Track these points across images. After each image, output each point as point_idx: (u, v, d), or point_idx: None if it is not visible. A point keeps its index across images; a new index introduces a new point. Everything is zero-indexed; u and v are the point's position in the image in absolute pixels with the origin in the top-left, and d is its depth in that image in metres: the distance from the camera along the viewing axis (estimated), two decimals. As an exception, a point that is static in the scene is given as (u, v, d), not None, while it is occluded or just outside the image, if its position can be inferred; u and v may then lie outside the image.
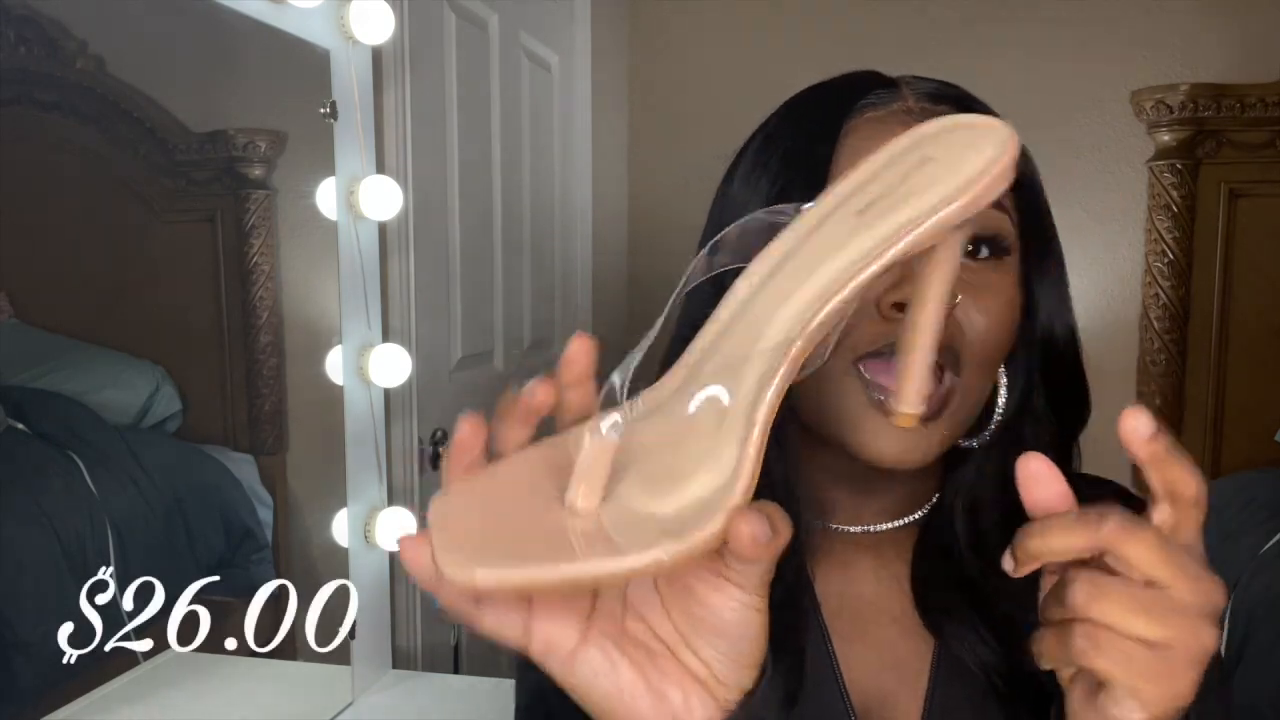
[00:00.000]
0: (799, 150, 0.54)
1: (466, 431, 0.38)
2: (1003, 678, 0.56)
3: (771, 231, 0.41)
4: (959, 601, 0.57)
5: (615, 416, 0.36)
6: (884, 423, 0.51)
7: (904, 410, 0.42)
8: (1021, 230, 0.57)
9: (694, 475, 0.37)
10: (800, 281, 0.39)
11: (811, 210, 0.41)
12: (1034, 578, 0.56)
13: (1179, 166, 2.32)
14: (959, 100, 0.57)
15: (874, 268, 0.37)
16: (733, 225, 0.42)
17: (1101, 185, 2.45)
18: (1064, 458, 0.60)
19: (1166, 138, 2.33)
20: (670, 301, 0.42)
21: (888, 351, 0.51)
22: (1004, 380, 0.58)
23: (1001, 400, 0.58)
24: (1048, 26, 2.42)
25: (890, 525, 0.60)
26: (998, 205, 0.54)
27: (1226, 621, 1.80)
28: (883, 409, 0.51)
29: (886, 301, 0.51)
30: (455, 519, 0.35)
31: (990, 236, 0.54)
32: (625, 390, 0.40)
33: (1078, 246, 2.46)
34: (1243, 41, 2.32)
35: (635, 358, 0.41)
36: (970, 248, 0.54)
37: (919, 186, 0.38)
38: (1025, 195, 0.57)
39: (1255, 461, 2.29)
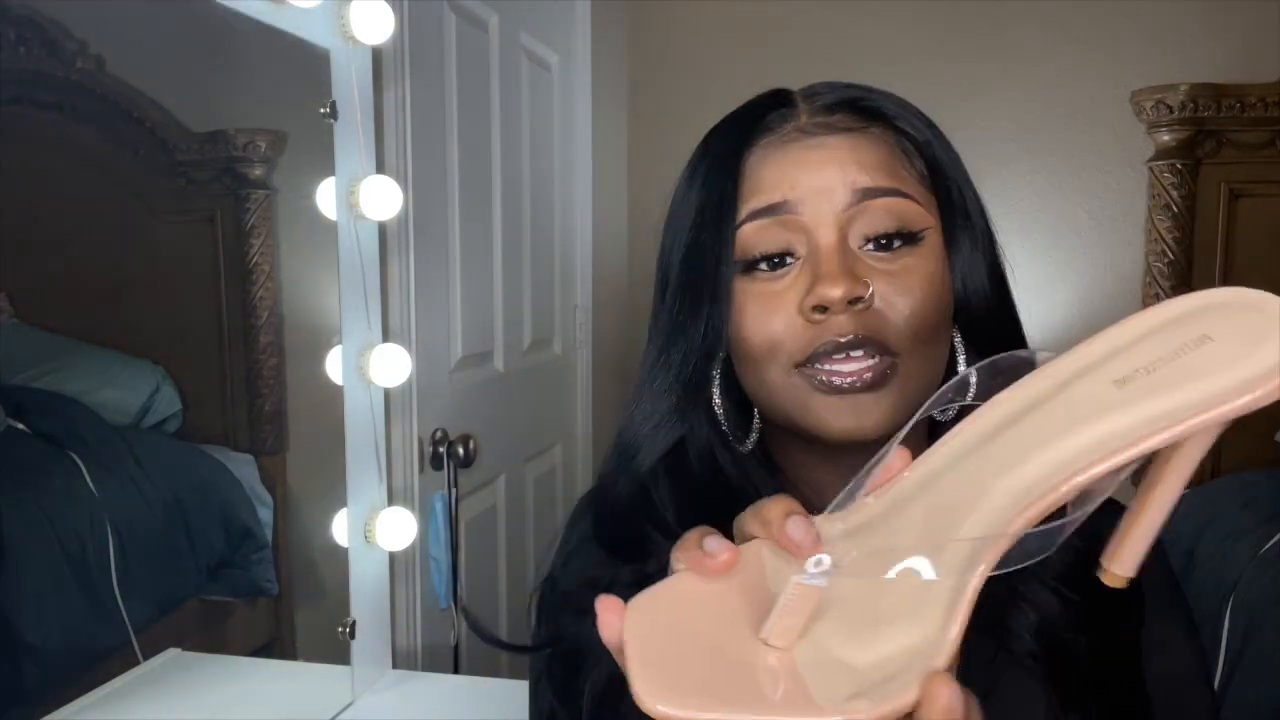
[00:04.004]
0: (710, 185, 0.58)
1: (725, 556, 0.38)
2: (1040, 657, 0.57)
3: (1012, 375, 0.38)
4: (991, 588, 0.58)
5: (826, 559, 0.35)
6: (830, 400, 0.54)
7: (1116, 572, 0.39)
8: (939, 211, 0.58)
9: (894, 629, 0.35)
10: (1029, 450, 0.35)
11: (1054, 365, 0.37)
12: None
13: (1179, 166, 2.32)
14: (854, 102, 0.59)
15: (1130, 452, 0.33)
16: (982, 365, 0.42)
17: (1101, 185, 2.45)
18: None
19: (1166, 138, 2.33)
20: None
21: (826, 348, 0.53)
22: (962, 353, 0.59)
23: (961, 371, 0.58)
24: (1048, 27, 2.42)
25: None
26: (902, 195, 0.56)
27: (1226, 621, 1.80)
28: (827, 389, 0.53)
29: (805, 306, 0.54)
30: (651, 637, 0.35)
31: (895, 230, 0.56)
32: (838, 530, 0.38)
33: (1078, 246, 2.47)
34: (1243, 41, 2.32)
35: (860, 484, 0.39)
36: (884, 241, 0.56)
37: (1196, 371, 0.34)
38: (936, 179, 0.59)
39: (1255, 461, 2.29)
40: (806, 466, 0.62)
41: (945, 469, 0.38)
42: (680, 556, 0.39)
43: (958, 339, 0.59)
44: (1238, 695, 1.68)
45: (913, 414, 0.53)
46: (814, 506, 0.61)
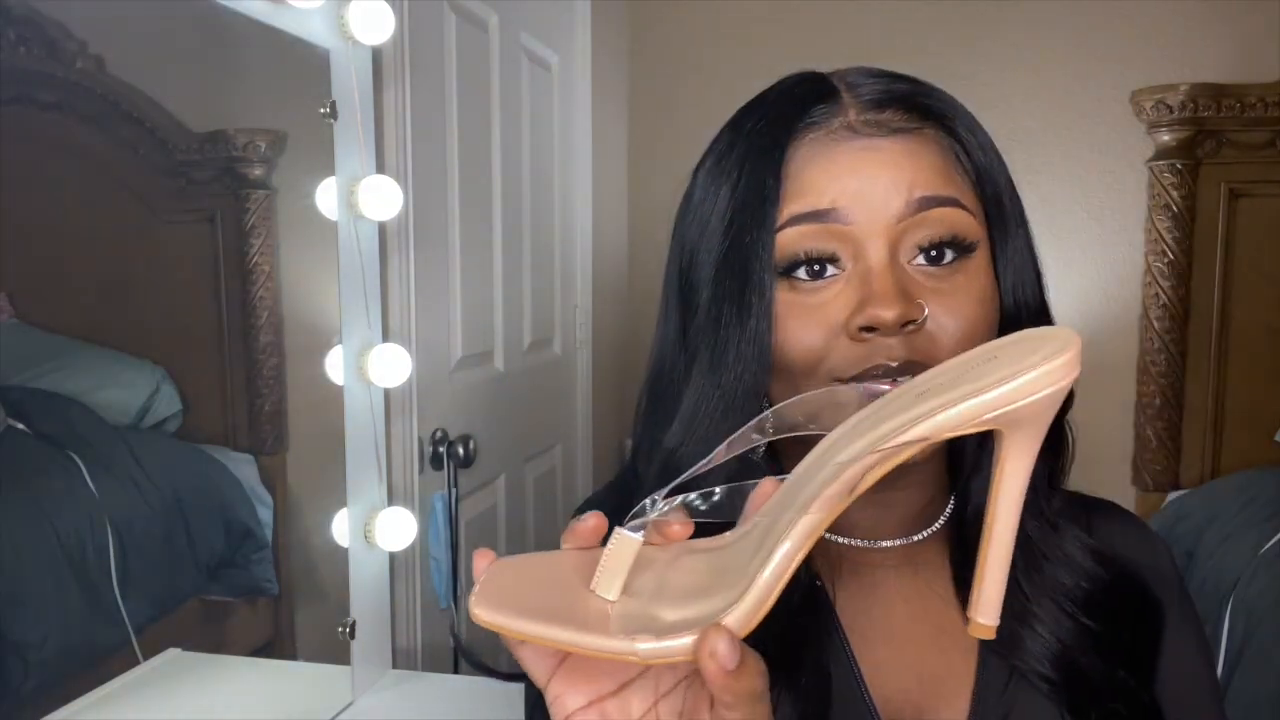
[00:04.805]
0: (749, 179, 0.54)
1: (593, 522, 0.44)
2: (1055, 682, 0.55)
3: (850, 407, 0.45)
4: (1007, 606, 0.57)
5: (642, 521, 0.42)
6: None
7: (980, 621, 0.44)
8: (987, 220, 0.56)
9: (711, 596, 0.40)
10: (851, 442, 0.42)
11: (889, 391, 0.45)
12: (1072, 571, 0.57)
13: (1179, 166, 2.32)
14: (905, 98, 0.55)
15: (908, 435, 0.40)
16: (817, 395, 0.46)
17: (1101, 185, 2.45)
18: (1057, 436, 0.60)
19: (1166, 138, 2.33)
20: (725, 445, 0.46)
21: (875, 373, 0.51)
22: None
23: None
24: (1048, 27, 2.42)
25: (911, 539, 0.60)
26: (958, 205, 0.53)
27: (1226, 621, 1.80)
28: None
29: (854, 326, 0.51)
30: (504, 574, 0.42)
31: (950, 239, 0.53)
32: (657, 507, 0.44)
33: (1078, 246, 2.47)
34: (1243, 41, 2.32)
35: (678, 482, 0.44)
36: (934, 253, 0.53)
37: (972, 378, 0.41)
38: (986, 186, 0.56)
39: (1255, 461, 2.29)
40: None
41: (798, 475, 0.44)
42: (564, 535, 0.44)
43: None
44: (1237, 695, 1.68)
45: None
46: (844, 527, 0.60)
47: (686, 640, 0.37)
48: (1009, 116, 2.43)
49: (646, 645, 0.37)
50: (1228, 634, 1.78)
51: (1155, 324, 2.37)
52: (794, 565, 0.39)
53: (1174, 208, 2.33)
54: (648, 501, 0.43)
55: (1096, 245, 2.46)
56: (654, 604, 0.40)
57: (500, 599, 0.40)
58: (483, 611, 0.40)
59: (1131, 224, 2.42)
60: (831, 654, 0.57)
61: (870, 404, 0.44)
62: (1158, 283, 2.36)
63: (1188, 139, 2.31)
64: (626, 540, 0.41)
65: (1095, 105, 2.41)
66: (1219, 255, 2.34)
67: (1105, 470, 2.44)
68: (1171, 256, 2.35)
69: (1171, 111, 2.29)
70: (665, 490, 0.43)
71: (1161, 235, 2.35)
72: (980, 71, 2.44)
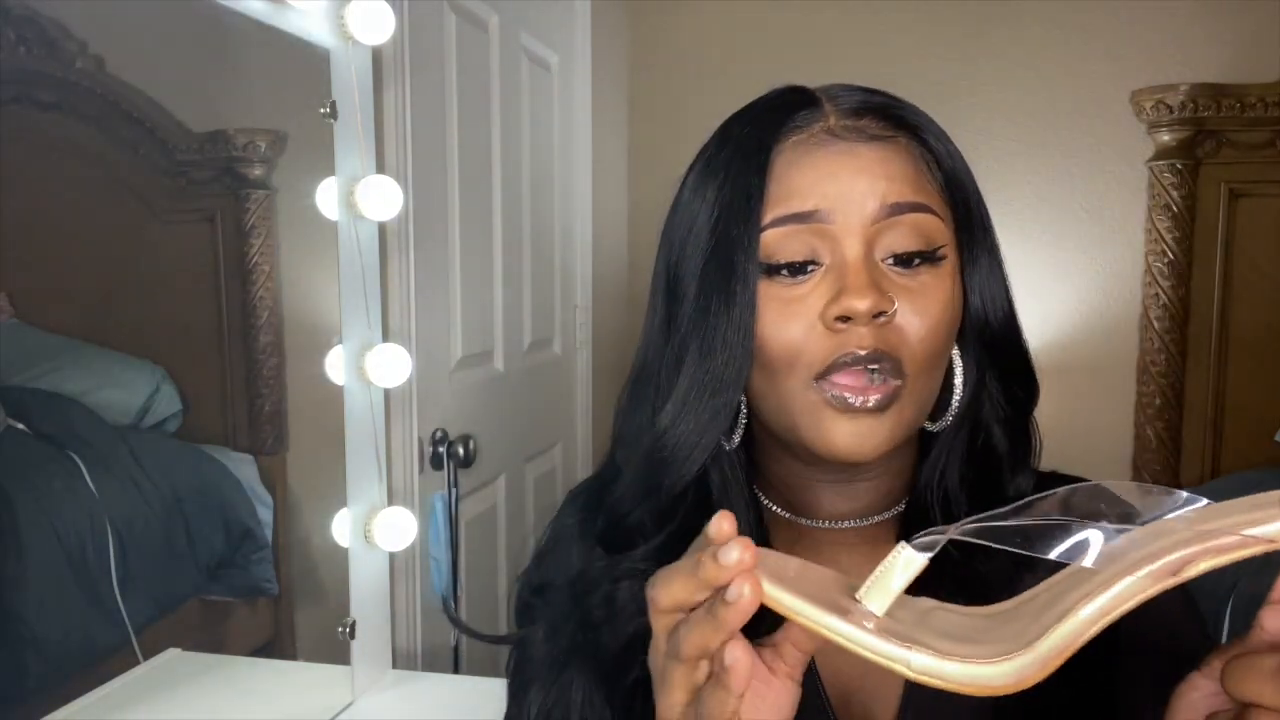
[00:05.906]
0: (735, 179, 0.57)
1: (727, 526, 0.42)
2: None
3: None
4: (944, 590, 0.58)
5: (934, 539, 0.39)
6: (837, 419, 0.54)
7: None
8: (955, 225, 0.59)
9: (980, 644, 0.37)
10: (1209, 520, 0.41)
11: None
12: (1014, 563, 0.57)
13: (1179, 166, 2.32)
14: (882, 109, 0.58)
15: (1259, 530, 0.39)
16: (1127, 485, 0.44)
17: (1101, 185, 2.45)
18: (1023, 437, 0.62)
19: (1166, 138, 2.33)
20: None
21: (845, 360, 0.54)
22: (959, 366, 0.60)
23: (958, 385, 0.60)
24: (1048, 27, 2.42)
25: (871, 521, 0.62)
26: (929, 210, 0.56)
27: (1226, 621, 1.80)
28: (840, 407, 0.54)
29: (829, 315, 0.54)
30: (775, 560, 0.42)
31: (918, 250, 0.56)
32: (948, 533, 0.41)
33: (1078, 247, 2.47)
34: (1243, 41, 2.32)
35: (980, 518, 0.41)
36: (905, 259, 0.56)
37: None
38: (955, 192, 0.59)
39: (1255, 461, 2.29)
40: (787, 470, 0.62)
41: (1111, 549, 0.40)
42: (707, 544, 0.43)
43: (956, 355, 0.60)
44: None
45: (907, 433, 0.56)
46: (792, 507, 0.63)
47: (979, 667, 0.36)
48: (1009, 116, 2.43)
49: (922, 659, 0.36)
50: (1227, 634, 1.78)
51: (1155, 324, 2.37)
52: (1099, 626, 0.37)
53: (1174, 208, 2.33)
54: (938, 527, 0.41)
55: (1096, 245, 2.46)
56: (918, 633, 0.38)
57: (782, 581, 0.39)
58: (767, 582, 0.38)
59: (1131, 224, 2.42)
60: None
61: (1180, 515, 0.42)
62: (1158, 283, 2.36)
63: (1188, 139, 2.31)
64: (912, 558, 0.39)
65: (1095, 105, 2.41)
66: (1219, 255, 2.34)
67: (1105, 470, 2.44)
68: (1171, 256, 2.35)
69: (1171, 111, 2.29)
70: (964, 523, 0.40)
71: (1161, 235, 2.35)
72: (981, 72, 2.44)
